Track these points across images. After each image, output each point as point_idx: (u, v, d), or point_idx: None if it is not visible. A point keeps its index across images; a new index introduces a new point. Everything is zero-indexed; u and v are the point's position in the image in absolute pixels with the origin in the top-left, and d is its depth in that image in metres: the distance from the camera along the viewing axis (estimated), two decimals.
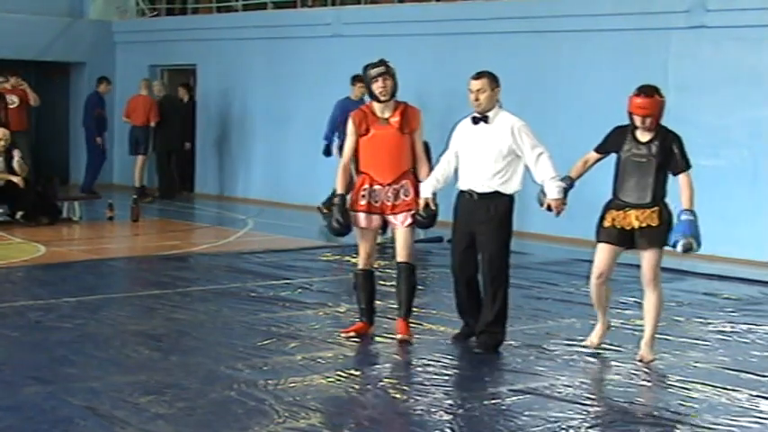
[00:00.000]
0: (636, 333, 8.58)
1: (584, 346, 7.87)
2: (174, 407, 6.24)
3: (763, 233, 12.42)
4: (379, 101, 7.87)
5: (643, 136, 7.47)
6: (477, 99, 7.64)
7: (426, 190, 7.83)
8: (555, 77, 13.66)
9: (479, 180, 7.65)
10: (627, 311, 9.44)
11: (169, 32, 20.02)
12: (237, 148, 18.66)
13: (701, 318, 9.28)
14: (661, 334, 8.56)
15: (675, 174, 7.47)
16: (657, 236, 7.44)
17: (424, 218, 7.85)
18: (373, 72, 7.84)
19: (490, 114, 7.66)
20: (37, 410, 6.12)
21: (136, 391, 6.50)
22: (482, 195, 7.64)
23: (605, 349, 7.98)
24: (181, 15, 20.97)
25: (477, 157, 7.65)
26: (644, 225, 7.44)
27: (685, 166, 7.47)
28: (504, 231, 7.69)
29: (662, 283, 7.64)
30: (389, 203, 7.88)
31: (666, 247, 7.54)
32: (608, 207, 7.58)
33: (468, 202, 7.72)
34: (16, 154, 14.43)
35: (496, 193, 7.61)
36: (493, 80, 7.69)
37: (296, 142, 17.51)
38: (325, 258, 12.04)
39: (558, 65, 14.01)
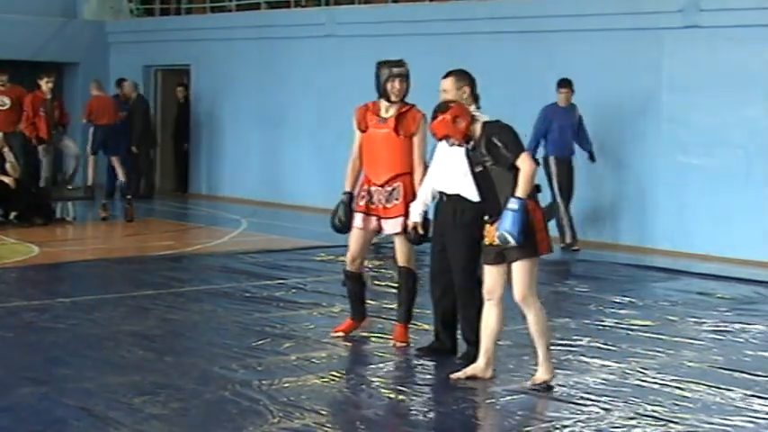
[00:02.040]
0: (630, 333, 8.61)
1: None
2: (169, 407, 6.24)
3: (757, 233, 12.43)
4: (389, 100, 7.74)
5: (472, 142, 6.76)
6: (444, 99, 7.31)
7: (415, 213, 7.55)
8: (548, 77, 13.66)
9: (447, 181, 7.34)
10: (621, 311, 9.45)
11: (162, 33, 20.01)
12: (231, 148, 18.65)
13: (694, 317, 9.29)
14: (655, 333, 8.58)
15: (509, 167, 6.58)
16: (515, 248, 6.60)
17: (412, 238, 7.65)
18: (395, 71, 7.72)
19: None
20: (31, 411, 6.12)
21: (130, 392, 6.50)
22: (450, 197, 7.33)
23: (600, 349, 7.98)
24: (174, 16, 20.97)
25: (446, 158, 7.33)
26: None
27: (513, 152, 6.57)
28: (469, 237, 7.24)
29: (538, 299, 6.84)
30: (382, 206, 7.78)
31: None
32: (485, 222, 6.87)
33: (440, 205, 7.45)
34: (9, 156, 14.42)
35: (460, 196, 7.26)
36: (460, 79, 7.35)
37: (290, 142, 17.51)
38: (319, 258, 12.04)
39: (551, 65, 14.00)
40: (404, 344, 7.85)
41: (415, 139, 7.74)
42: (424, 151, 7.78)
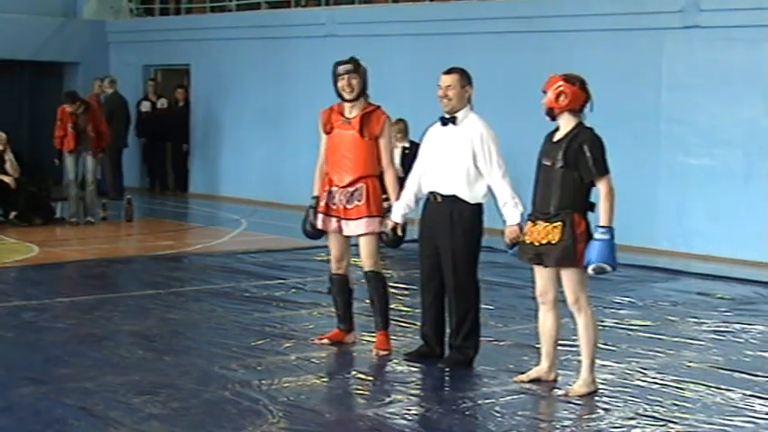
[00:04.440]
0: (630, 333, 8.61)
1: (514, 381, 6.97)
2: (168, 407, 6.24)
3: (757, 233, 12.43)
4: (344, 99, 7.66)
5: (557, 134, 6.68)
6: (445, 96, 7.22)
7: (397, 214, 7.45)
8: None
9: (443, 182, 7.23)
10: (621, 311, 9.45)
11: (163, 32, 20.02)
12: (231, 147, 18.65)
13: (694, 317, 9.29)
14: (655, 333, 8.59)
15: (587, 181, 6.54)
16: (561, 254, 6.54)
17: (389, 239, 7.55)
18: (340, 69, 7.65)
19: (459, 115, 7.24)
20: (31, 411, 6.12)
21: (129, 392, 6.50)
22: (445, 198, 7.21)
23: (600, 349, 7.96)
24: (174, 15, 20.98)
25: (442, 159, 7.24)
26: (544, 241, 6.59)
27: (599, 171, 6.51)
28: (468, 239, 7.20)
29: (591, 305, 6.79)
30: (342, 207, 7.62)
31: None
32: (527, 219, 6.83)
33: (432, 206, 7.29)
34: (9, 155, 14.42)
35: (457, 197, 7.18)
36: (464, 77, 7.27)
37: (290, 142, 17.49)
38: (318, 258, 12.01)
39: (551, 65, 13.89)
40: (386, 351, 7.69)
41: (382, 142, 7.62)
42: (391, 153, 7.71)
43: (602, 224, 6.48)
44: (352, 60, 7.72)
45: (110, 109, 17.80)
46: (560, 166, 6.56)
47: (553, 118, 6.70)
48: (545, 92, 6.68)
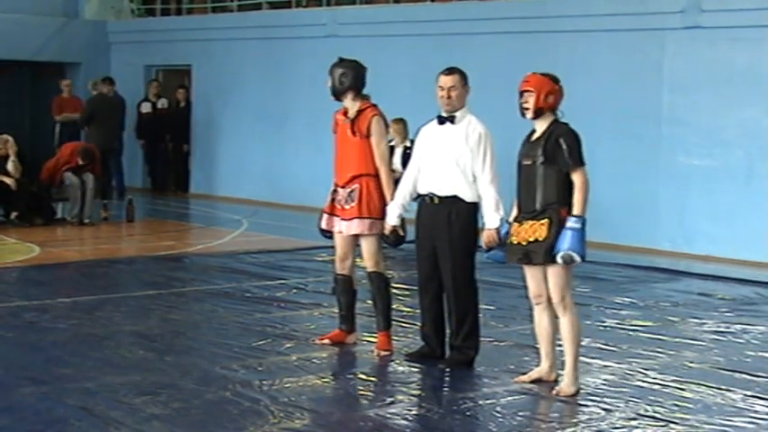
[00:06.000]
0: (631, 334, 8.61)
1: (515, 382, 6.98)
2: (169, 407, 6.24)
3: (758, 233, 12.43)
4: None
5: (534, 134, 6.74)
6: (449, 97, 7.21)
7: (392, 216, 7.44)
8: None
9: (440, 182, 7.22)
10: (622, 312, 9.46)
11: (164, 33, 20.02)
12: (232, 148, 18.65)
13: (695, 318, 9.29)
14: (656, 334, 8.59)
15: (565, 172, 6.58)
16: (549, 250, 6.54)
17: (389, 240, 7.56)
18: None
19: (457, 115, 7.25)
20: (32, 411, 6.12)
21: (131, 392, 6.50)
22: (442, 199, 7.20)
23: (601, 350, 7.98)
24: (176, 15, 20.98)
25: (439, 159, 7.22)
26: (531, 239, 6.60)
27: (574, 162, 6.56)
28: (465, 240, 7.19)
29: (575, 305, 6.78)
30: (341, 207, 7.68)
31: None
32: (513, 221, 6.84)
33: (429, 207, 7.27)
34: (13, 157, 14.42)
35: (457, 197, 7.18)
36: (463, 77, 7.28)
37: (291, 142, 17.51)
38: (320, 259, 12.03)
39: (553, 65, 13.84)
40: (387, 352, 7.69)
41: (372, 140, 7.63)
42: (384, 151, 7.67)
43: (574, 213, 6.51)
44: (334, 64, 7.90)
45: (91, 110, 17.41)
46: (541, 163, 6.61)
47: (537, 117, 6.72)
48: (524, 92, 6.70)
